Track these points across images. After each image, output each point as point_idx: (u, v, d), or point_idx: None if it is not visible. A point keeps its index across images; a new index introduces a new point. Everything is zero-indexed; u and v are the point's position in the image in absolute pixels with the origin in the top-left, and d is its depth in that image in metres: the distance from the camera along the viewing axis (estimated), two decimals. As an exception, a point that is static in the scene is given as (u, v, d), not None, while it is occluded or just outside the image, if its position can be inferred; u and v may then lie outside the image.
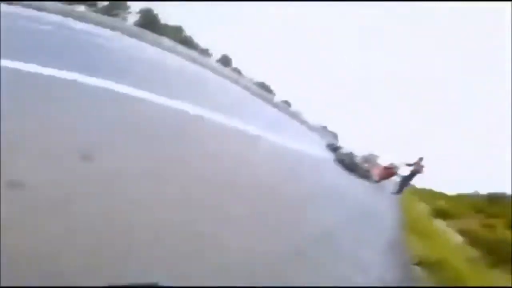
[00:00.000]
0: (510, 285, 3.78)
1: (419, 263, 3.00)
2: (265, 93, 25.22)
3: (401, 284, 2.26)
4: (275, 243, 1.85)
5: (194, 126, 3.35)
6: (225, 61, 37.83)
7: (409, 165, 8.88)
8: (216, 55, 40.47)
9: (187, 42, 29.35)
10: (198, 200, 1.83)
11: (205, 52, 34.60)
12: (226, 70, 20.39)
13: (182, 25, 37.06)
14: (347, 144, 11.13)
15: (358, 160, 8.89)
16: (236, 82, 19.01)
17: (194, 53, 18.08)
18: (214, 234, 1.55)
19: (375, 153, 10.65)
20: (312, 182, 4.21)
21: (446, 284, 2.61)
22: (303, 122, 27.29)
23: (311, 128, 24.66)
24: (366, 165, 9.25)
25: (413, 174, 8.89)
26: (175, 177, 1.99)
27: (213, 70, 17.72)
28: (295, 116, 26.01)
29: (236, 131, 4.07)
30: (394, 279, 2.27)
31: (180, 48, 16.65)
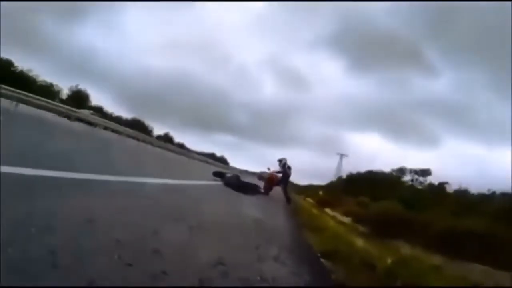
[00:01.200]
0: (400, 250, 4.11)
1: (322, 256, 2.90)
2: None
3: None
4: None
5: None
6: (78, 98, 32.27)
7: (278, 172, 9.71)
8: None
9: (19, 79, 23.44)
10: None
11: (46, 90, 28.57)
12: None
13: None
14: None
15: (244, 179, 9.35)
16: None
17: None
18: None
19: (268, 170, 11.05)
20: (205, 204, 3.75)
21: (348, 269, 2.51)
22: (188, 154, 26.47)
23: (199, 158, 24.10)
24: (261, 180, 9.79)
25: (285, 178, 9.65)
26: None
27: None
28: (178, 150, 24.94)
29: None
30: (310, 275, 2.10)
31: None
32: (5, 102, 9.89)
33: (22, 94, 12.72)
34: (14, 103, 10.87)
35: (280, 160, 9.59)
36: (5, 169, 1.99)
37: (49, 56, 56.70)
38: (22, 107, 10.80)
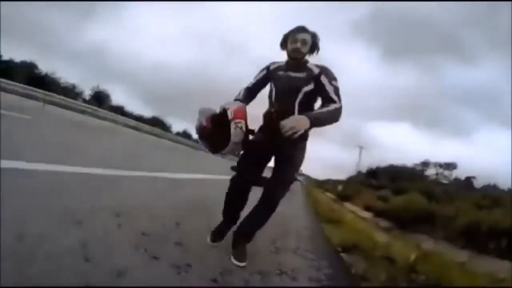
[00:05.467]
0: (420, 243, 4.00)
1: (343, 250, 2.87)
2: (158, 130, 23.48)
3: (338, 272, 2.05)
4: None
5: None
6: (99, 98, 33.32)
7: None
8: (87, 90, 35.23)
9: (43, 81, 24.51)
10: None
11: (69, 91, 29.61)
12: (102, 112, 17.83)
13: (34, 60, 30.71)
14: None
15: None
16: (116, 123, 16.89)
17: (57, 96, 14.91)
18: None
19: None
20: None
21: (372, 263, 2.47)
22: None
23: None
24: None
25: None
26: None
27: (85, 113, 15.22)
28: (197, 146, 25.33)
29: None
30: (330, 268, 2.04)
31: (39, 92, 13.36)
32: (33, 103, 10.45)
33: (48, 95, 13.41)
34: (42, 103, 11.46)
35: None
36: (44, 166, 2.11)
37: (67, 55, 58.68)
38: (48, 107, 11.37)
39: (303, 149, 1.67)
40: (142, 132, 18.15)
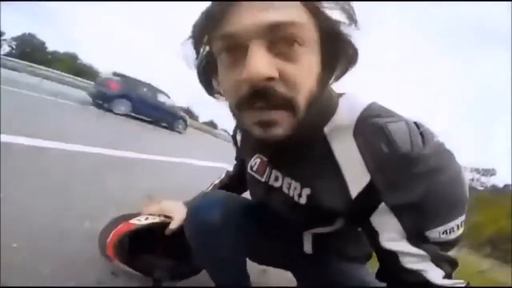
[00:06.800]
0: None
1: None
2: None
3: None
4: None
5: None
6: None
7: None
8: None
9: (83, 72, 26.23)
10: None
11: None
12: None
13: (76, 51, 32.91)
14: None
15: None
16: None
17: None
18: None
19: None
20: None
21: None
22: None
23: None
24: None
25: None
26: None
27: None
28: (222, 135, 25.90)
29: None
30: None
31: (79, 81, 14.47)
32: (75, 91, 11.39)
33: (86, 83, 14.73)
34: (85, 92, 12.53)
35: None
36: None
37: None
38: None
39: None
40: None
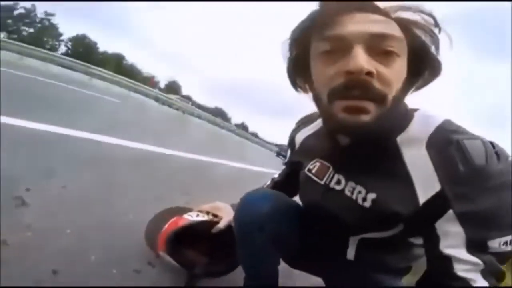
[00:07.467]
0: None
1: None
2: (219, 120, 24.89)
3: None
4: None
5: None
6: (172, 88, 37.10)
7: None
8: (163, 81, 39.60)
9: (128, 71, 28.23)
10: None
11: (149, 81, 33.51)
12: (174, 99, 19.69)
13: (122, 52, 35.65)
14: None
15: None
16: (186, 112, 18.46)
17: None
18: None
19: None
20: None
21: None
22: (262, 143, 27.54)
23: (270, 148, 24.80)
24: None
25: None
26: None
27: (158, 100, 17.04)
28: (252, 138, 26.19)
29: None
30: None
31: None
32: (120, 90, 12.25)
33: (133, 83, 15.88)
34: (128, 91, 13.45)
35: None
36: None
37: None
38: (132, 94, 13.22)
39: None
40: (205, 121, 19.58)
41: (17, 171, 1.30)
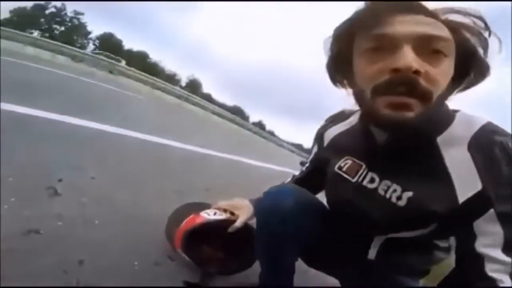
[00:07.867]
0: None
1: None
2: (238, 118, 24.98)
3: None
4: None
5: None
6: (193, 85, 37.81)
7: None
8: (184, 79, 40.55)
9: (152, 69, 29.08)
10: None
11: (171, 78, 34.29)
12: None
13: (146, 50, 36.88)
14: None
15: None
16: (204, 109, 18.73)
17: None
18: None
19: None
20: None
21: None
22: (278, 142, 27.39)
23: (287, 147, 24.59)
24: None
25: None
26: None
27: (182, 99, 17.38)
28: (269, 137, 26.09)
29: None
30: None
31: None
32: (143, 87, 12.61)
33: (154, 80, 16.25)
34: (150, 87, 13.85)
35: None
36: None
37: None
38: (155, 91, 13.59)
39: None
40: (225, 119, 19.81)
41: (50, 162, 1.38)
